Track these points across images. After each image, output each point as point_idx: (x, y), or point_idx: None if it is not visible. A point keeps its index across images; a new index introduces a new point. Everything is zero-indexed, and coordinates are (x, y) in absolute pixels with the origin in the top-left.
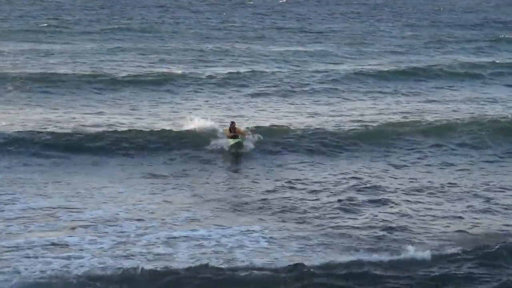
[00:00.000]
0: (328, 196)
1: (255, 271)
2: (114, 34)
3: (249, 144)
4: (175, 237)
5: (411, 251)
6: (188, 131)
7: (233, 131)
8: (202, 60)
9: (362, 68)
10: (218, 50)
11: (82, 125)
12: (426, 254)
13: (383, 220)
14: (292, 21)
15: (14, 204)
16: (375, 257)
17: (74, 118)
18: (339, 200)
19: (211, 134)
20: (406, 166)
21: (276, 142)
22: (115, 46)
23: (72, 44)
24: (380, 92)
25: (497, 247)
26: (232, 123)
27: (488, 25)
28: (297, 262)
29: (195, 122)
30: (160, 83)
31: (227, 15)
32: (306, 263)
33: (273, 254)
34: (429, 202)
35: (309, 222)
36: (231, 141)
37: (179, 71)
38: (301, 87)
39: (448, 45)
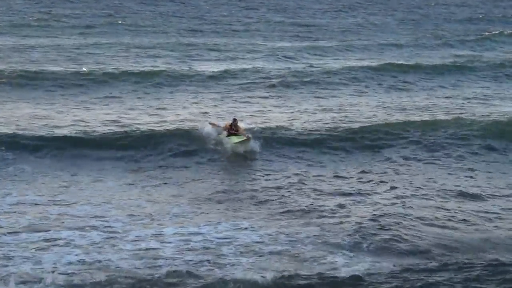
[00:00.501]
0: (320, 193)
1: (242, 269)
2: (104, 29)
3: (255, 145)
4: (163, 233)
5: (402, 253)
6: (178, 127)
7: (234, 129)
8: (191, 55)
9: (355, 63)
10: (207, 45)
11: (72, 121)
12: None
13: (375, 218)
14: (282, 15)
15: (3, 198)
16: (362, 254)
17: (63, 113)
18: (332, 196)
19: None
20: (403, 163)
21: (267, 137)
22: (105, 41)
23: (60, 38)
24: (372, 87)
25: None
26: (234, 120)
27: (481, 20)
28: (285, 257)
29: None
30: (150, 78)
31: (218, 8)
32: (294, 260)
33: (262, 250)
34: (429, 202)
35: (300, 218)
36: (236, 139)
37: (170, 67)
38: (292, 83)
39: (441, 39)
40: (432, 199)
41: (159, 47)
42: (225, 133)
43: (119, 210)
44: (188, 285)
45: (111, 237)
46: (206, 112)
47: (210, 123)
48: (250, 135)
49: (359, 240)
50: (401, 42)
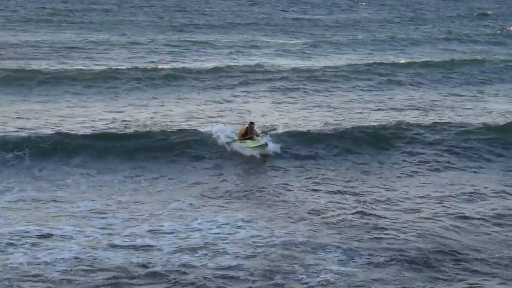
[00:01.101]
0: (319, 190)
1: (238, 264)
2: (103, 25)
3: (274, 148)
4: (160, 229)
5: (398, 252)
6: (176, 123)
7: (250, 133)
8: (191, 51)
9: (360, 60)
10: (207, 41)
11: (69, 118)
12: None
13: (372, 217)
14: (282, 10)
15: (2, 194)
16: (357, 252)
17: (61, 110)
18: (330, 194)
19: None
20: (408, 163)
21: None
22: (103, 37)
23: (55, 34)
24: (378, 84)
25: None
26: (251, 123)
27: (488, 16)
28: (281, 253)
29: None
30: (149, 75)
31: (217, 4)
32: (290, 256)
33: (259, 246)
34: (428, 202)
35: (297, 214)
36: (252, 143)
37: (169, 63)
38: (295, 79)
39: (450, 34)
40: (433, 199)
41: (159, 43)
42: (236, 136)
43: (116, 206)
44: (185, 280)
45: (108, 233)
46: (206, 110)
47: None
48: (271, 134)
49: (355, 238)
50: (410, 38)
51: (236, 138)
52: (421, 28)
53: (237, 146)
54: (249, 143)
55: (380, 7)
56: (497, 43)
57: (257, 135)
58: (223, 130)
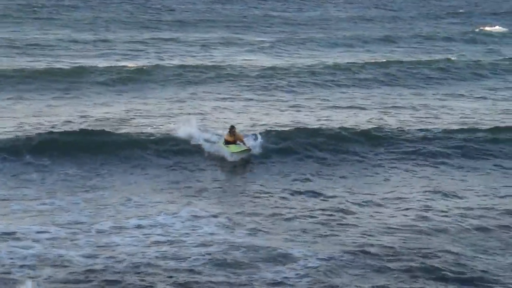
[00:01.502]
0: (284, 188)
1: (203, 261)
2: (67, 23)
3: (257, 149)
4: (126, 225)
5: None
6: (145, 119)
7: (234, 137)
8: (170, 50)
9: (343, 59)
10: (173, 39)
11: (34, 116)
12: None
13: (335, 215)
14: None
15: None
16: (320, 248)
17: (27, 107)
18: (296, 191)
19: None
20: (391, 166)
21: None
22: (78, 36)
23: (19, 33)
24: (362, 83)
25: None
26: (232, 127)
27: (451, 15)
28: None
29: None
30: (115, 74)
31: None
32: (251, 250)
33: (223, 243)
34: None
35: (263, 211)
36: (235, 148)
37: (146, 62)
38: (277, 78)
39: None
40: (404, 198)
41: (126, 40)
42: (221, 140)
43: (81, 202)
44: (148, 276)
45: (72, 232)
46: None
47: None
48: (255, 139)
49: (320, 235)
50: (381, 36)
51: (220, 142)
52: (392, 26)
53: (219, 148)
54: (232, 147)
55: (351, 5)
56: (469, 41)
57: (241, 139)
58: (191, 127)
